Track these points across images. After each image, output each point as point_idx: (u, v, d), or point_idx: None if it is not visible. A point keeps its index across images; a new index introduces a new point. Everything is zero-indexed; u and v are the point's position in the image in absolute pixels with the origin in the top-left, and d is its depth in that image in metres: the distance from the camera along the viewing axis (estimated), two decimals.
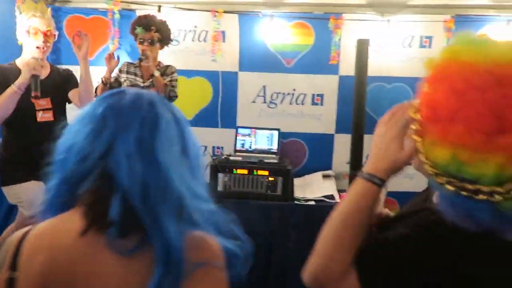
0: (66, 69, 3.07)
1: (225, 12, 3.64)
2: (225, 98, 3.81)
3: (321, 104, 3.84)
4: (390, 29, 3.65)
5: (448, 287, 0.84)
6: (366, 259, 0.87)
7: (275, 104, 3.86)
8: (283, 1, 3.70)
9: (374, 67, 3.56)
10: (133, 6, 3.73)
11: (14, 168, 2.63)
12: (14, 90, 2.41)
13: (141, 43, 3.13)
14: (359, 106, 3.44)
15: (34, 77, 2.45)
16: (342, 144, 3.83)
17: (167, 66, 3.29)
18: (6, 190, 2.71)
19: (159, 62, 3.28)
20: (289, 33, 3.75)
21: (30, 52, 2.60)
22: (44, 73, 2.68)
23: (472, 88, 0.71)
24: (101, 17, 3.76)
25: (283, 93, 3.84)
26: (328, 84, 3.80)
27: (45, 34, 2.57)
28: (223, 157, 3.42)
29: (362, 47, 3.42)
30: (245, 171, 3.24)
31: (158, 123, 0.87)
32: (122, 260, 0.82)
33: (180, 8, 3.68)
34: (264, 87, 3.83)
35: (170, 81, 3.17)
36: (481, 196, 0.71)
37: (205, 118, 3.83)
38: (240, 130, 3.72)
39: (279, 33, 3.72)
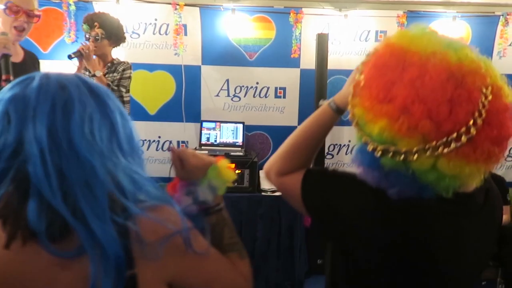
0: (32, 52, 2.66)
1: (186, 5, 3.61)
2: (188, 92, 3.78)
3: (284, 97, 3.93)
4: (348, 23, 3.80)
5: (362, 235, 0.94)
6: (314, 171, 1.07)
7: (239, 97, 3.89)
8: None
9: (333, 61, 3.71)
10: None
11: None
12: None
13: (87, 39, 2.96)
14: (320, 99, 3.58)
15: (5, 56, 2.02)
16: None
17: (120, 63, 3.06)
18: None
19: (114, 58, 3.10)
20: (251, 27, 3.79)
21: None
22: (18, 57, 2.33)
23: (383, 66, 0.86)
24: (55, 8, 3.60)
25: (247, 87, 3.88)
26: (290, 78, 3.89)
27: (27, 14, 2.17)
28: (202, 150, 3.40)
29: (322, 42, 3.54)
30: None
31: (72, 106, 0.76)
32: (66, 264, 0.74)
33: (140, 0, 3.60)
34: (227, 80, 3.84)
35: (120, 79, 2.98)
36: (377, 151, 0.84)
37: (169, 113, 3.80)
38: (205, 124, 3.72)
39: (241, 27, 3.75)
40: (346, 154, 4.03)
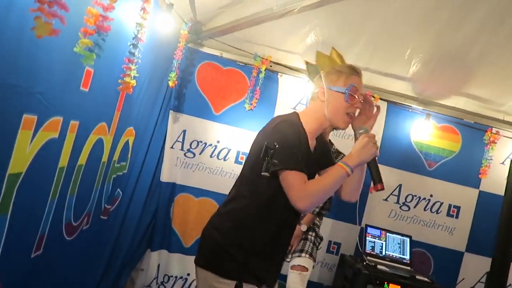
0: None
1: (381, 99, 3.35)
2: None
3: (456, 217, 3.47)
4: None
5: None
6: None
7: (408, 207, 3.46)
8: (435, 100, 3.47)
9: None
10: (277, 69, 3.39)
11: None
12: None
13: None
14: (508, 231, 3.10)
15: (374, 160, 1.61)
16: (471, 266, 3.44)
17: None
18: None
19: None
20: (436, 135, 3.47)
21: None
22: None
23: None
24: (238, 71, 3.39)
25: (419, 197, 3.46)
26: (467, 197, 3.47)
27: (365, 99, 1.63)
28: (372, 264, 2.89)
29: None
30: (397, 287, 2.74)
31: None
32: None
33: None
34: (400, 186, 3.45)
35: None
36: None
37: None
38: (370, 230, 3.26)
39: (425, 132, 3.44)
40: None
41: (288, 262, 2.75)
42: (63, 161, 1.64)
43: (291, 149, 1.48)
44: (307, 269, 2.66)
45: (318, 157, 1.69)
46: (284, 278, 2.75)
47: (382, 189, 1.49)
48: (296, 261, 2.68)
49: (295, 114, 1.66)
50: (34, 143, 1.38)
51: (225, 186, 3.35)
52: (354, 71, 1.61)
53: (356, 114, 1.62)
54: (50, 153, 1.51)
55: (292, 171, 1.47)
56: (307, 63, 1.74)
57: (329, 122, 1.64)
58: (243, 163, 1.69)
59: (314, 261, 2.78)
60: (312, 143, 1.67)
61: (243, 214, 1.58)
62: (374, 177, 1.52)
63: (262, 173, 1.35)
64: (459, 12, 2.71)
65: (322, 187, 1.49)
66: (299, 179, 1.46)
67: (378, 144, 3.34)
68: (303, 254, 2.69)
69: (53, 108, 1.42)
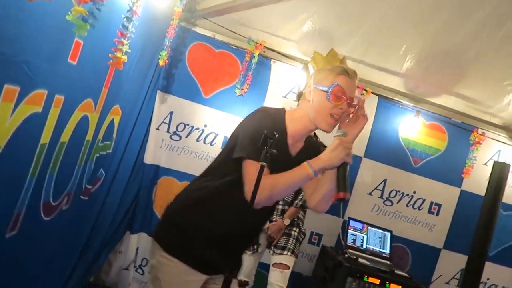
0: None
1: (373, 93, 3.32)
2: None
3: (437, 215, 3.52)
4: None
5: None
6: None
7: (391, 202, 3.48)
8: (426, 98, 3.47)
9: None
10: (270, 55, 3.31)
11: None
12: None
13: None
14: (486, 231, 3.16)
15: (343, 167, 1.49)
16: (448, 262, 3.51)
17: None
18: None
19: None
20: (424, 132, 3.48)
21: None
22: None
23: None
24: (231, 54, 3.29)
25: (403, 193, 3.49)
26: (448, 196, 3.52)
27: (348, 103, 1.52)
28: (353, 257, 2.90)
29: (501, 170, 3.21)
30: (376, 281, 2.77)
31: None
32: None
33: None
34: (384, 181, 3.46)
35: None
36: None
37: None
38: (352, 223, 3.27)
39: (414, 129, 3.45)
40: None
41: (271, 255, 2.73)
42: (45, 137, 1.53)
43: (256, 140, 1.38)
44: (288, 267, 2.65)
45: (301, 160, 1.53)
46: (265, 267, 2.73)
47: (344, 198, 1.40)
48: (278, 258, 2.66)
49: (283, 111, 1.58)
50: (15, 117, 1.28)
51: None
52: (345, 72, 1.51)
53: (343, 116, 1.49)
54: (32, 128, 1.41)
55: (251, 161, 1.40)
56: (305, 65, 1.67)
57: (313, 124, 1.53)
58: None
59: (296, 257, 2.77)
60: (294, 144, 1.58)
61: (202, 195, 1.55)
62: (338, 184, 1.41)
63: (259, 162, 1.29)
64: (458, 13, 2.68)
65: (278, 184, 1.41)
66: (256, 171, 1.35)
67: (366, 138, 3.39)
68: (285, 252, 2.67)
69: (38, 79, 1.32)
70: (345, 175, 1.41)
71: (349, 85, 1.50)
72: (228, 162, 1.49)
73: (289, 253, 2.68)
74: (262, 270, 3.08)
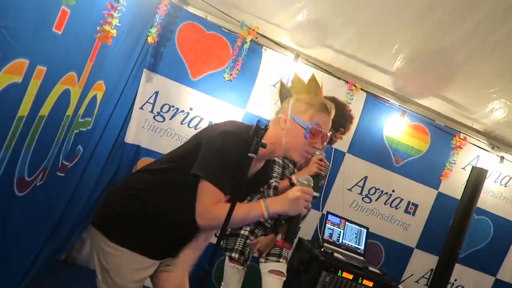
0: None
1: (361, 89, 3.31)
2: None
3: (413, 215, 3.59)
4: (502, 165, 3.60)
5: None
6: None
7: (370, 199, 3.52)
8: (412, 98, 3.49)
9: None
10: (262, 42, 3.24)
11: None
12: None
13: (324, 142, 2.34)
14: (458, 234, 3.25)
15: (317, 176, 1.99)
16: (419, 262, 3.60)
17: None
18: None
19: None
20: (407, 132, 3.51)
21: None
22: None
23: None
24: (222, 37, 3.21)
25: (381, 191, 3.53)
26: (425, 197, 3.58)
27: (322, 140, 1.54)
28: (328, 251, 2.89)
29: (478, 176, 3.28)
30: (350, 276, 2.80)
31: None
32: None
33: (317, 67, 3.28)
34: (365, 178, 3.49)
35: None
36: None
37: None
38: (330, 217, 3.29)
39: (399, 129, 3.47)
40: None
41: (262, 263, 2.63)
42: (24, 109, 1.45)
43: (224, 164, 1.37)
44: (285, 275, 2.61)
45: (255, 181, 1.60)
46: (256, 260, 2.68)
47: (289, 249, 1.47)
48: (275, 266, 2.57)
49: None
50: None
51: None
52: (325, 109, 1.50)
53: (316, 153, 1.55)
54: (9, 99, 1.32)
55: (211, 185, 1.38)
56: (281, 83, 1.63)
57: (283, 152, 1.52)
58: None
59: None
60: (256, 165, 1.57)
61: (150, 188, 1.52)
62: (288, 234, 1.44)
63: (249, 154, 1.26)
64: (452, 15, 2.68)
65: (233, 219, 1.37)
66: (213, 196, 1.38)
67: (351, 133, 3.39)
68: (281, 260, 2.60)
69: (19, 48, 1.23)
70: (296, 226, 1.45)
71: (326, 122, 1.51)
72: (182, 168, 1.46)
73: (284, 261, 2.65)
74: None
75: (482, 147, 3.60)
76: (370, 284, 2.83)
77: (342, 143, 3.38)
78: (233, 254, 2.52)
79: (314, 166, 2.25)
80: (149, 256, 1.54)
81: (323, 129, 1.48)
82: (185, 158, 1.46)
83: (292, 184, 2.31)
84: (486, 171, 3.25)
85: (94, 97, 2.31)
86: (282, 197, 1.41)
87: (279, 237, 2.70)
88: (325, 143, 1.55)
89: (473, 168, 3.30)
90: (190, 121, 3.23)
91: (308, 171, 2.27)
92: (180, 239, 1.65)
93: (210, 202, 1.38)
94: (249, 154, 1.25)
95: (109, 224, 1.53)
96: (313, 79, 1.56)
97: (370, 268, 2.95)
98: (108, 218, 1.55)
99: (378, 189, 3.52)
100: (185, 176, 1.44)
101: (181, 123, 3.21)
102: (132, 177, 1.64)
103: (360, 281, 2.81)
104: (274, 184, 2.42)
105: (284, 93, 1.59)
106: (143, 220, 1.50)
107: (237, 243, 2.56)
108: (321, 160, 2.29)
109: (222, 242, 2.26)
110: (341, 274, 2.78)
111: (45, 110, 1.63)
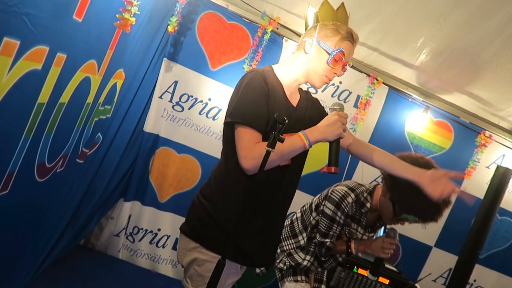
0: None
1: (383, 83, 3.23)
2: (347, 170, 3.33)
3: None
4: None
5: None
6: None
7: None
8: (436, 94, 3.39)
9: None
10: (283, 33, 3.19)
11: None
12: None
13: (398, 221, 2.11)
14: (480, 234, 3.15)
15: (337, 141, 1.59)
16: (437, 261, 3.53)
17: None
18: None
19: None
20: (430, 129, 3.42)
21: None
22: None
23: None
24: (242, 27, 3.17)
25: None
26: None
27: (343, 67, 1.55)
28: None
29: (502, 175, 3.17)
30: (365, 273, 2.76)
31: None
32: None
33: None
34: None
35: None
36: None
37: None
38: None
39: (421, 124, 3.38)
40: None
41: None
42: (44, 96, 1.46)
43: (247, 104, 1.36)
44: None
45: (307, 118, 1.54)
46: None
47: (335, 172, 1.40)
48: None
49: (270, 67, 1.55)
50: (13, 72, 1.20)
51: (210, 146, 3.23)
52: (351, 37, 1.49)
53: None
54: (30, 85, 1.33)
55: (243, 126, 1.35)
56: (310, 8, 1.59)
57: (305, 78, 1.53)
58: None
59: None
60: (291, 96, 1.54)
61: (224, 183, 1.47)
62: (331, 158, 1.42)
63: (266, 148, 1.23)
64: (480, 10, 2.57)
65: (275, 155, 1.34)
66: (249, 137, 1.34)
67: (372, 128, 3.32)
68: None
69: (39, 35, 1.23)
70: (338, 149, 1.43)
71: (350, 51, 1.51)
72: (228, 144, 1.45)
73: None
74: None
75: (509, 146, 3.48)
76: (386, 281, 2.79)
77: (363, 137, 3.30)
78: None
79: (380, 250, 2.02)
80: (242, 260, 1.51)
81: (346, 57, 1.48)
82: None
83: (349, 253, 2.11)
84: (511, 170, 3.14)
85: (114, 85, 2.33)
86: (318, 125, 1.41)
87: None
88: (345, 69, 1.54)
89: (498, 167, 3.19)
90: (208, 112, 3.22)
91: (371, 250, 2.06)
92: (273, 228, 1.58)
93: (249, 141, 1.35)
94: (267, 148, 1.23)
95: (201, 232, 1.48)
96: (342, 7, 1.54)
97: (387, 266, 2.91)
98: (200, 225, 1.49)
99: None
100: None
101: (200, 113, 3.21)
102: (210, 178, 1.60)
103: (375, 278, 2.78)
104: (328, 244, 2.13)
105: (311, 19, 1.56)
106: (235, 220, 1.33)
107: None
108: (391, 243, 2.02)
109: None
110: (357, 270, 2.75)
111: (65, 98, 1.65)
